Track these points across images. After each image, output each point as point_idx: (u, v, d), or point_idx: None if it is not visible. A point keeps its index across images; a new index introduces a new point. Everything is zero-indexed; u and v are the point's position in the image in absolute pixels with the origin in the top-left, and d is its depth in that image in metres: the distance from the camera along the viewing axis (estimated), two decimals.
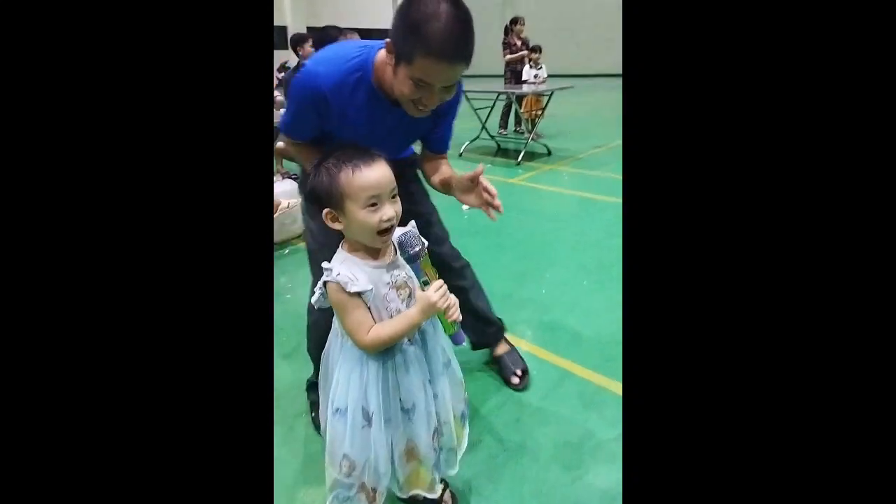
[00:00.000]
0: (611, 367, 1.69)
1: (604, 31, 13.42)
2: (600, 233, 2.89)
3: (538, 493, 1.23)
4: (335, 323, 1.00)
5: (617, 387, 1.61)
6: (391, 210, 0.87)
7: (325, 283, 0.90)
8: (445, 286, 0.90)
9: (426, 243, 0.93)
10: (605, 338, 1.86)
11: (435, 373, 0.99)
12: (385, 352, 0.93)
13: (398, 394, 0.95)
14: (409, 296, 0.94)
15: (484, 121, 5.28)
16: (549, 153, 5.04)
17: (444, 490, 1.16)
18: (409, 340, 0.95)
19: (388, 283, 0.92)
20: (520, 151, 4.93)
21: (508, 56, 5.68)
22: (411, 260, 0.91)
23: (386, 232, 0.88)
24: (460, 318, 0.93)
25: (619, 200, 3.39)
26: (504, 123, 5.97)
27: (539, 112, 5.28)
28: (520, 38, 5.69)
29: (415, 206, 1.32)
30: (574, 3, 14.34)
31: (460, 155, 5.08)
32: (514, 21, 5.68)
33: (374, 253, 0.93)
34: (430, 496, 1.06)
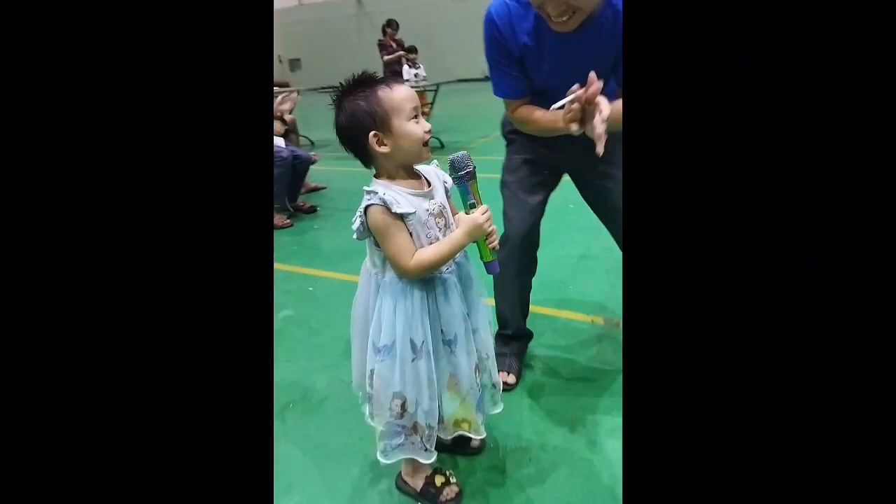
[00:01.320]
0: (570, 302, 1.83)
1: (458, 41, 14.27)
2: None
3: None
4: (367, 262, 0.96)
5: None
6: (426, 123, 0.88)
7: (365, 209, 0.85)
8: (490, 211, 0.91)
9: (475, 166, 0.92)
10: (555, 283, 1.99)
11: (472, 305, 0.98)
12: (426, 281, 0.91)
13: (439, 324, 0.94)
14: (446, 225, 0.93)
15: None
16: (443, 146, 5.20)
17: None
18: (449, 269, 0.94)
19: (428, 210, 0.90)
20: None
21: (386, 57, 5.77)
22: (462, 180, 0.90)
23: (427, 144, 0.88)
24: (498, 246, 0.94)
25: None
26: None
27: (426, 109, 5.42)
28: (394, 41, 5.82)
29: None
30: (432, 13, 14.99)
31: None
32: (388, 24, 5.79)
33: (411, 181, 0.91)
34: (476, 436, 1.04)
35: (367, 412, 1.01)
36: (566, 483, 1.13)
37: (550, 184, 1.35)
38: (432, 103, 5.31)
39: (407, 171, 0.91)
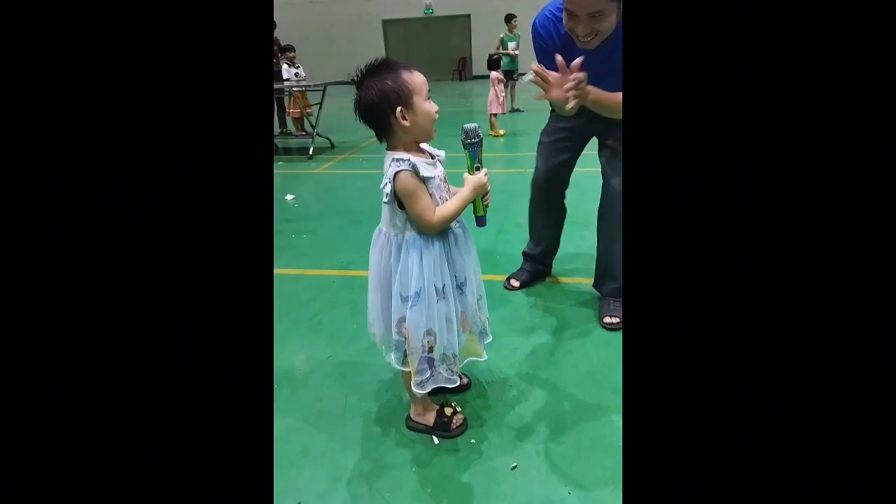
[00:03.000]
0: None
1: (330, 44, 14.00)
2: None
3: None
4: (384, 228, 1.11)
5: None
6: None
7: (395, 175, 0.99)
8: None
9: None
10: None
11: (470, 254, 1.18)
12: (443, 234, 1.09)
13: (453, 270, 1.12)
14: (448, 190, 1.11)
15: None
16: (333, 146, 5.22)
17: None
18: (458, 224, 1.13)
19: (439, 177, 1.08)
20: (304, 149, 4.99)
21: None
22: (474, 146, 1.10)
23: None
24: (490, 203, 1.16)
25: None
26: (282, 122, 5.86)
27: (309, 109, 5.37)
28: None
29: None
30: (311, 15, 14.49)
31: None
32: None
33: (420, 153, 1.08)
34: (480, 359, 1.24)
35: (395, 359, 1.15)
36: (547, 395, 1.39)
37: (577, 148, 1.79)
38: (320, 104, 5.28)
39: (417, 146, 1.08)
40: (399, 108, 1.00)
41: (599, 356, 1.55)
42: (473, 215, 1.16)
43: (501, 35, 6.28)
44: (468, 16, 14.67)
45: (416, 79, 1.01)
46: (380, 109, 1.01)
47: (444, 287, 1.09)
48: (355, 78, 1.03)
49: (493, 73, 5.39)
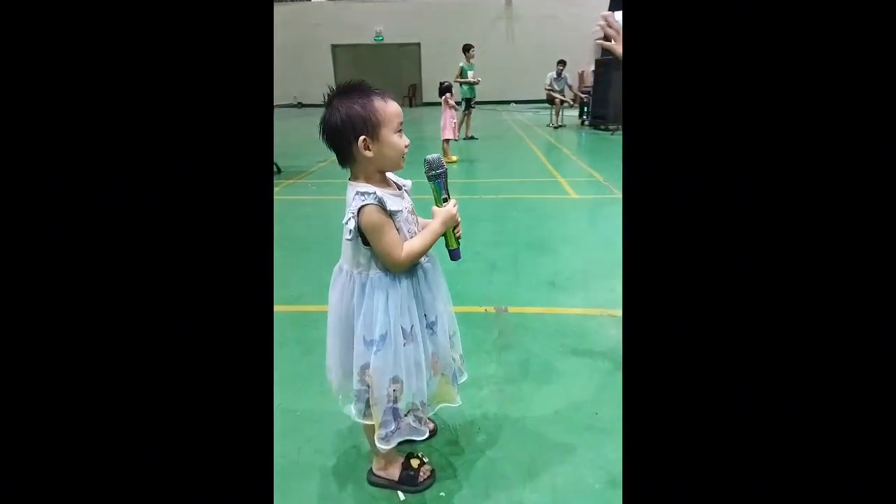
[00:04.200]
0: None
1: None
2: None
3: None
4: (346, 266, 1.01)
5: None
6: (406, 138, 0.98)
7: (359, 210, 0.91)
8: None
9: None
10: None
11: (441, 289, 1.09)
12: (410, 270, 1.00)
13: (423, 309, 1.03)
14: (416, 223, 1.03)
15: None
16: (280, 171, 5.04)
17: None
18: (427, 258, 1.04)
19: (407, 209, 0.99)
20: None
21: None
22: (439, 177, 1.02)
23: (404, 157, 0.98)
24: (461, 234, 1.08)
25: None
26: None
27: None
28: None
29: None
30: None
31: None
32: None
33: (384, 184, 0.99)
34: (453, 405, 1.15)
35: (355, 411, 1.04)
36: (518, 437, 1.31)
37: None
38: None
39: (382, 176, 1.00)
40: (363, 138, 0.92)
41: (568, 392, 1.50)
42: (446, 249, 1.08)
43: (461, 64, 6.40)
44: (418, 44, 14.94)
45: (389, 108, 0.94)
46: (342, 135, 0.93)
47: (412, 328, 1.00)
48: (325, 96, 0.95)
49: (446, 96, 5.43)
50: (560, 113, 8.55)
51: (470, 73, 6.38)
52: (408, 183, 1.06)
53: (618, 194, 3.94)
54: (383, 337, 0.97)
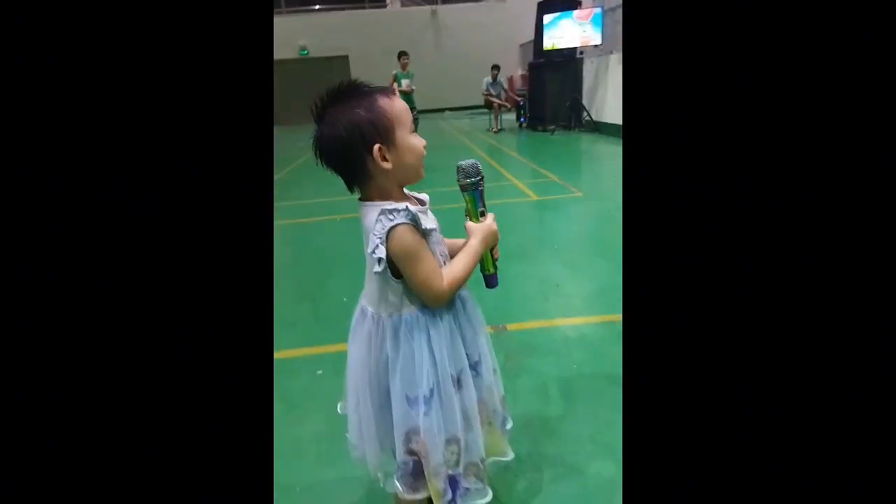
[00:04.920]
0: None
1: None
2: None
3: None
4: (370, 307, 0.81)
5: None
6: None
7: (390, 232, 0.71)
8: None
9: None
10: None
11: (481, 320, 0.91)
12: (449, 303, 0.82)
13: (465, 348, 0.84)
14: (444, 244, 0.85)
15: None
16: None
17: None
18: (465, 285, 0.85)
19: (435, 227, 0.80)
20: None
21: None
22: (476, 186, 0.83)
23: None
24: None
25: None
26: None
27: None
28: None
29: None
30: None
31: None
32: None
33: (406, 199, 0.80)
34: (506, 459, 0.96)
35: (403, 487, 0.83)
36: (559, 478, 1.15)
37: None
38: None
39: (401, 191, 0.81)
40: (377, 146, 0.73)
41: (597, 414, 1.37)
42: (481, 274, 0.90)
43: (395, 72, 6.18)
44: (346, 56, 14.62)
45: (397, 106, 0.75)
46: (349, 149, 0.73)
47: (461, 373, 0.82)
48: (314, 109, 0.75)
49: None
50: (499, 117, 8.61)
51: (405, 81, 6.18)
52: (425, 196, 0.87)
53: (578, 193, 3.93)
54: (432, 391, 0.78)
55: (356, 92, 0.75)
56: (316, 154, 0.75)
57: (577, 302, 2.08)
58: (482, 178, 0.85)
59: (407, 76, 6.21)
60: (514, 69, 11.82)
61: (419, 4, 14.70)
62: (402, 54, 6.27)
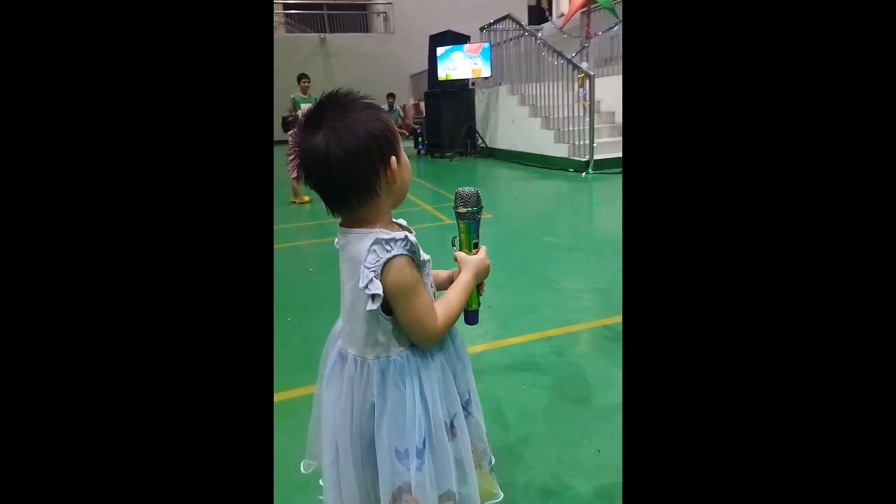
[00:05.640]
0: None
1: None
2: None
3: None
4: (350, 350, 0.72)
5: None
6: None
7: (386, 264, 0.62)
8: None
9: None
10: None
11: (468, 356, 0.84)
12: (440, 342, 0.74)
13: (456, 386, 0.77)
14: (430, 273, 0.77)
15: None
16: None
17: None
18: None
19: (429, 259, 0.73)
20: None
21: None
22: (474, 216, 0.77)
23: None
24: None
25: None
26: None
27: None
28: None
29: None
30: None
31: None
32: None
33: (394, 227, 0.73)
34: (497, 501, 0.89)
35: None
36: None
37: None
38: None
39: (391, 215, 0.73)
40: (393, 158, 0.67)
41: (557, 433, 1.35)
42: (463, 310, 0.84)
43: (293, 95, 5.90)
44: None
45: (389, 121, 0.69)
46: (364, 162, 0.64)
47: (454, 419, 0.74)
48: (288, 118, 0.65)
49: (292, 131, 5.00)
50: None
51: (305, 106, 5.94)
52: (404, 222, 0.79)
53: (490, 214, 4.04)
54: (425, 443, 0.70)
55: (359, 101, 0.67)
56: (306, 165, 0.65)
57: (510, 321, 2.09)
58: (481, 207, 0.81)
59: (308, 100, 5.97)
60: (407, 98, 12.07)
61: (305, 31, 14.46)
62: (302, 77, 6.02)
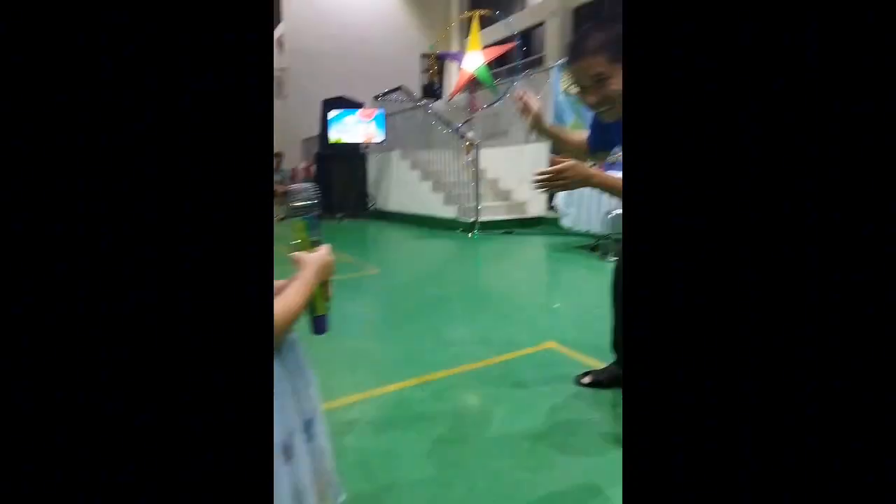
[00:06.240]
0: None
1: None
2: None
3: None
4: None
5: None
6: None
7: None
8: None
9: None
10: None
11: (311, 369, 0.72)
12: (283, 348, 0.64)
13: (299, 403, 0.65)
14: None
15: None
16: None
17: None
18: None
19: None
20: None
21: None
22: (308, 210, 0.72)
23: None
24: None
25: None
26: None
27: None
28: None
29: None
30: None
31: None
32: None
33: None
34: None
35: None
36: None
37: None
38: None
39: None
40: None
41: (425, 478, 1.23)
42: (309, 318, 0.74)
43: None
44: None
45: None
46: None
47: (290, 439, 0.61)
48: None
49: None
50: (287, 204, 8.40)
51: None
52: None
53: (374, 270, 3.96)
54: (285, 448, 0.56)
55: None
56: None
57: (386, 370, 1.97)
58: (317, 201, 0.74)
59: None
60: (298, 162, 11.93)
61: None
62: None
